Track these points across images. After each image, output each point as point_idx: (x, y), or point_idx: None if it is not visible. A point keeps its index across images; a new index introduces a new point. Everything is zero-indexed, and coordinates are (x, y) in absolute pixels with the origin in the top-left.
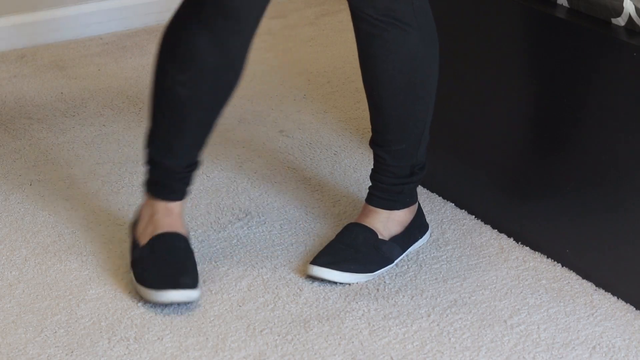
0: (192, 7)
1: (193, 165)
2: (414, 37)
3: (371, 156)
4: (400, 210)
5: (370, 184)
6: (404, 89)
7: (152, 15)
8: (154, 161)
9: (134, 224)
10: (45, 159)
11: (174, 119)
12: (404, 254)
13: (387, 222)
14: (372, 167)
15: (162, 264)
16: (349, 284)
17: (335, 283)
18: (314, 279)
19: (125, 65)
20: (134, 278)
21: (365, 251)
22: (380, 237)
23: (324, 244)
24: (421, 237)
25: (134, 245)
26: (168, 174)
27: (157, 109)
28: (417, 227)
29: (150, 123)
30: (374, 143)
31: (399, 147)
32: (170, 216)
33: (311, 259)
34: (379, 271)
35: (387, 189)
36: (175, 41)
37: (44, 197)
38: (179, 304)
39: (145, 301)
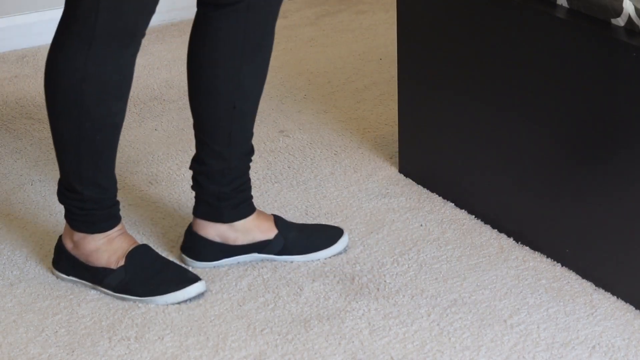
0: (109, 36)
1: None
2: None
3: (371, 156)
4: None
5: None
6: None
7: (152, 16)
8: (95, 200)
9: (84, 261)
10: (46, 159)
11: (110, 151)
12: None
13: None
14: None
15: (158, 270)
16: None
17: (337, 281)
18: (315, 277)
19: None
20: (139, 297)
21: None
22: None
23: None
24: None
25: (105, 273)
26: (114, 203)
27: (90, 149)
28: None
29: (79, 167)
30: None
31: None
32: (126, 233)
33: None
34: None
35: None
36: (104, 71)
37: (45, 196)
38: (197, 296)
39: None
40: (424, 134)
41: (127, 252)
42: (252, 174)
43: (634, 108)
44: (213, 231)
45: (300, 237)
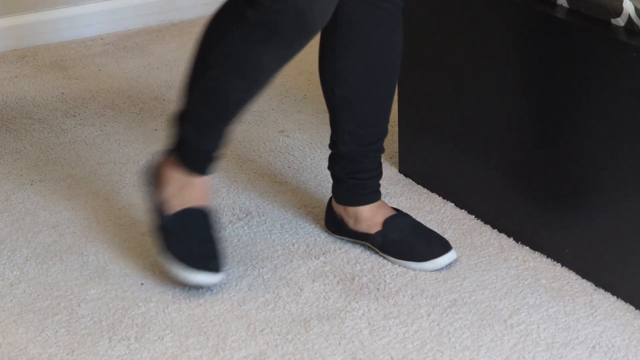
0: (262, 24)
1: (223, 144)
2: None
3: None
4: None
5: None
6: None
7: (153, 16)
8: (189, 142)
9: (154, 182)
10: (46, 159)
11: (222, 115)
12: None
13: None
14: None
15: (192, 242)
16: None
17: (337, 281)
18: (315, 277)
19: (126, 65)
20: (162, 245)
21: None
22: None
23: (324, 244)
24: None
25: (158, 209)
26: (204, 155)
27: (204, 102)
28: None
29: (189, 107)
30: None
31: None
32: (203, 189)
33: (314, 257)
34: None
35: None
36: (239, 55)
37: (45, 197)
38: (204, 287)
39: (170, 277)
40: (424, 134)
41: (187, 206)
42: (252, 173)
43: (634, 108)
44: (337, 208)
45: (402, 241)
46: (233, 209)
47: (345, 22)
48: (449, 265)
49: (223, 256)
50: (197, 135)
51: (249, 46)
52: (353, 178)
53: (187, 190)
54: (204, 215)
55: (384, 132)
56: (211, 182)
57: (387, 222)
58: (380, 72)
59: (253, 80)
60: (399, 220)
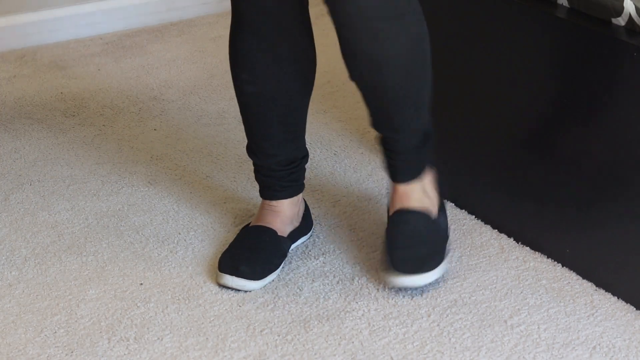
0: (236, 17)
1: (292, 163)
2: None
3: (371, 156)
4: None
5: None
6: None
7: (152, 15)
8: (254, 163)
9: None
10: (45, 159)
11: (252, 118)
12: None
13: None
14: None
15: (237, 251)
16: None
17: (337, 281)
18: (315, 277)
19: (125, 65)
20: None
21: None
22: None
23: (324, 244)
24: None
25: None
26: (265, 174)
27: (241, 112)
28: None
29: (245, 129)
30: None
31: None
32: (271, 213)
33: (313, 257)
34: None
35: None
36: (234, 49)
37: (44, 197)
38: (237, 289)
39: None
40: None
41: (250, 225)
42: (251, 173)
43: (634, 108)
44: None
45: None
46: (233, 209)
47: (353, 32)
48: (444, 270)
49: (264, 267)
50: (251, 153)
51: (235, 37)
52: (388, 157)
53: (257, 215)
54: (260, 231)
55: (426, 123)
56: (284, 206)
57: (396, 213)
58: (288, 77)
59: (247, 68)
60: (405, 217)
